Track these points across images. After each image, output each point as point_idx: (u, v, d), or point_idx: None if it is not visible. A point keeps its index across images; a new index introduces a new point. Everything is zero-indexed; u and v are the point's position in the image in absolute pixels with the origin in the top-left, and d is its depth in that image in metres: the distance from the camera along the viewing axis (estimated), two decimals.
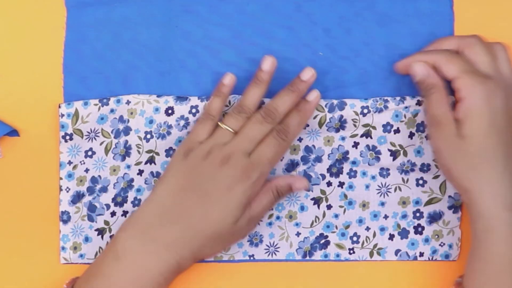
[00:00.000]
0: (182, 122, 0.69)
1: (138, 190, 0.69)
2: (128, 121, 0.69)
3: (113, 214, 0.69)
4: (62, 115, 0.68)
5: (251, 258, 0.70)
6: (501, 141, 0.62)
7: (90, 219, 0.69)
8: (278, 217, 0.70)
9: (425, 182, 0.70)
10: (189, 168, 0.65)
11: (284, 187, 0.67)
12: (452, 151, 0.63)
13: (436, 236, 0.70)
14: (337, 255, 0.70)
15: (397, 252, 0.70)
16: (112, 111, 0.69)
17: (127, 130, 0.69)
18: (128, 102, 0.69)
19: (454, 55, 0.64)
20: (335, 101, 0.69)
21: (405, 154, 0.69)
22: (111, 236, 0.69)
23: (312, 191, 0.70)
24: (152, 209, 0.64)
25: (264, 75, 0.66)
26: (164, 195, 0.65)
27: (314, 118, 0.68)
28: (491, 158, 0.62)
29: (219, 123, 0.66)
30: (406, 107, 0.69)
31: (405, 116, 0.69)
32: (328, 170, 0.69)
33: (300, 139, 0.69)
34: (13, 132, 0.69)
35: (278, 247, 0.70)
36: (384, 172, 0.69)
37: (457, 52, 0.65)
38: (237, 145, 0.65)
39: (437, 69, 0.64)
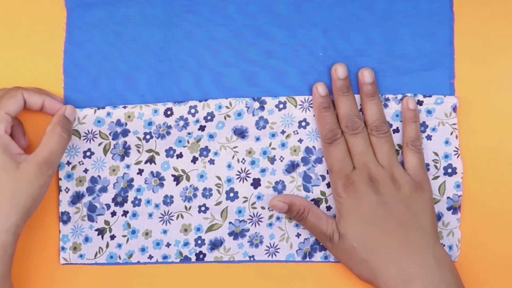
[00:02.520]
0: (181, 123, 0.69)
1: (138, 190, 0.69)
2: (126, 124, 0.68)
3: (113, 214, 0.69)
4: None
5: (251, 258, 0.70)
6: (375, 231, 0.65)
7: (90, 219, 0.69)
8: (278, 218, 0.70)
9: None
10: None
11: (62, 121, 0.66)
12: (343, 253, 0.67)
13: None
14: None
15: None
16: (108, 114, 0.68)
17: (125, 132, 0.69)
18: (124, 106, 0.69)
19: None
20: None
21: None
22: (111, 236, 0.69)
23: (312, 192, 0.69)
24: None
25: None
26: None
27: (314, 116, 0.69)
28: (372, 249, 0.65)
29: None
30: None
31: None
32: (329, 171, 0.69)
33: (300, 140, 0.69)
34: None
35: (278, 248, 0.70)
36: None
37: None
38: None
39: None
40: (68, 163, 0.69)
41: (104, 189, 0.69)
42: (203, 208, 0.70)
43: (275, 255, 0.70)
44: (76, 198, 0.69)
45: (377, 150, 0.67)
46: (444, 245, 0.69)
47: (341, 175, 0.67)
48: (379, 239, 0.65)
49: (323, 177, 0.69)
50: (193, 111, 0.68)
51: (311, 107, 0.69)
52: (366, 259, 0.65)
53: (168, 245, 0.70)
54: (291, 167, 0.69)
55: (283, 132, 0.69)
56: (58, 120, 0.66)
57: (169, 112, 0.68)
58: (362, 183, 0.66)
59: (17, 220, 0.62)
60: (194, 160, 0.69)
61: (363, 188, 0.66)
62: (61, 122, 0.66)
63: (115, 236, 0.70)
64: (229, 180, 0.69)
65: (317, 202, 0.69)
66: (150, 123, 0.68)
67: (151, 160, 0.69)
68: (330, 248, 0.68)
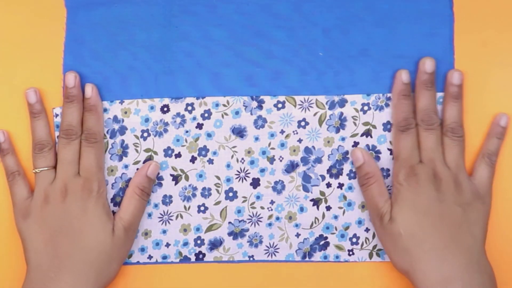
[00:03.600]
0: (178, 120, 0.69)
1: None
2: (123, 120, 0.69)
3: (112, 213, 0.69)
4: (56, 115, 0.69)
5: (251, 258, 0.69)
6: (427, 224, 0.64)
7: None
8: (277, 218, 0.69)
9: None
10: (39, 223, 0.65)
11: (143, 182, 0.67)
12: (388, 237, 0.66)
13: None
14: (337, 257, 0.69)
15: None
16: (105, 110, 0.69)
17: (122, 130, 0.69)
18: (121, 102, 0.69)
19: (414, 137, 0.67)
20: (336, 98, 0.69)
21: None
22: None
23: (311, 192, 0.69)
24: (36, 273, 0.64)
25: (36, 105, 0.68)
26: (37, 257, 0.65)
27: (314, 115, 0.68)
28: (418, 240, 0.64)
29: (35, 170, 0.67)
30: None
31: None
32: (328, 171, 0.69)
33: (300, 140, 0.69)
34: None
35: (278, 248, 0.70)
36: (384, 173, 0.69)
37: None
38: (63, 175, 0.66)
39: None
40: None
41: None
42: (202, 208, 0.69)
43: (275, 255, 0.70)
44: None
45: (447, 151, 0.67)
46: None
47: (406, 164, 0.66)
48: (428, 233, 0.64)
49: (323, 177, 0.69)
50: (189, 108, 0.69)
51: (311, 107, 0.69)
52: (410, 248, 0.64)
53: (167, 245, 0.70)
54: (291, 167, 0.69)
55: (282, 132, 0.69)
56: (139, 182, 0.67)
57: (165, 109, 0.69)
58: (425, 177, 0.65)
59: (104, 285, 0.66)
60: (193, 159, 0.69)
61: (425, 182, 0.65)
62: (141, 184, 0.67)
63: None
64: (228, 180, 0.69)
65: (316, 202, 0.69)
66: (147, 120, 0.69)
67: (149, 160, 0.69)
68: (378, 228, 0.67)
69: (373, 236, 0.69)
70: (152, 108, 0.69)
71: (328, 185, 0.69)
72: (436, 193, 0.65)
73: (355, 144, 0.69)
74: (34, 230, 0.65)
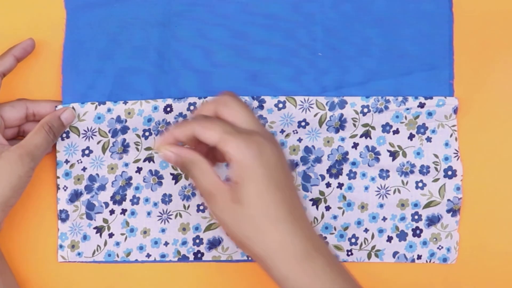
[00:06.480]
0: (180, 119, 0.69)
1: (137, 188, 0.69)
2: (126, 121, 0.69)
3: (112, 212, 0.69)
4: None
5: (249, 258, 0.69)
6: (282, 197, 0.57)
7: (89, 217, 0.69)
8: None
9: (424, 185, 0.70)
10: None
11: (53, 121, 0.66)
12: (233, 219, 0.58)
13: (434, 239, 0.70)
14: (335, 257, 0.69)
15: (395, 254, 0.70)
16: (109, 110, 0.69)
17: (124, 129, 0.69)
18: (125, 102, 0.69)
19: (209, 120, 0.59)
20: (336, 99, 0.69)
21: (404, 155, 0.69)
22: (109, 234, 0.69)
23: (311, 192, 0.69)
24: None
25: None
26: None
27: (315, 116, 0.69)
28: (274, 218, 0.57)
29: None
30: (407, 109, 0.69)
31: (405, 118, 0.69)
32: (328, 171, 0.69)
33: (299, 140, 0.69)
34: None
35: None
36: (384, 173, 0.69)
37: (215, 115, 0.60)
38: None
39: (199, 139, 0.59)
40: (67, 161, 0.69)
41: (102, 188, 0.69)
42: (201, 207, 0.70)
43: None
44: (75, 196, 0.69)
45: None
46: (442, 247, 0.69)
47: None
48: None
49: (322, 177, 0.69)
50: (192, 108, 0.69)
51: (311, 107, 0.69)
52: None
53: (166, 244, 0.70)
54: (290, 166, 0.69)
55: (282, 131, 0.69)
56: (49, 120, 0.66)
57: (168, 109, 0.69)
58: None
59: None
60: None
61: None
62: (51, 122, 0.66)
63: (113, 234, 0.69)
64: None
65: (315, 202, 0.69)
66: (149, 120, 0.69)
67: (149, 159, 0.69)
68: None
69: (372, 237, 0.70)
70: (155, 108, 0.69)
71: (328, 185, 0.69)
72: None
73: (355, 145, 0.69)
74: None
